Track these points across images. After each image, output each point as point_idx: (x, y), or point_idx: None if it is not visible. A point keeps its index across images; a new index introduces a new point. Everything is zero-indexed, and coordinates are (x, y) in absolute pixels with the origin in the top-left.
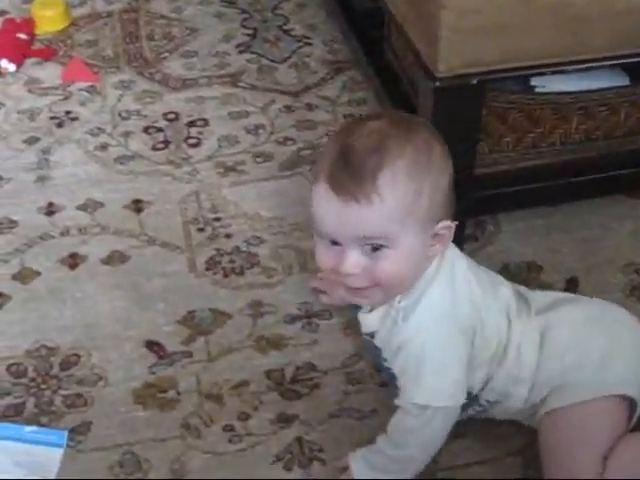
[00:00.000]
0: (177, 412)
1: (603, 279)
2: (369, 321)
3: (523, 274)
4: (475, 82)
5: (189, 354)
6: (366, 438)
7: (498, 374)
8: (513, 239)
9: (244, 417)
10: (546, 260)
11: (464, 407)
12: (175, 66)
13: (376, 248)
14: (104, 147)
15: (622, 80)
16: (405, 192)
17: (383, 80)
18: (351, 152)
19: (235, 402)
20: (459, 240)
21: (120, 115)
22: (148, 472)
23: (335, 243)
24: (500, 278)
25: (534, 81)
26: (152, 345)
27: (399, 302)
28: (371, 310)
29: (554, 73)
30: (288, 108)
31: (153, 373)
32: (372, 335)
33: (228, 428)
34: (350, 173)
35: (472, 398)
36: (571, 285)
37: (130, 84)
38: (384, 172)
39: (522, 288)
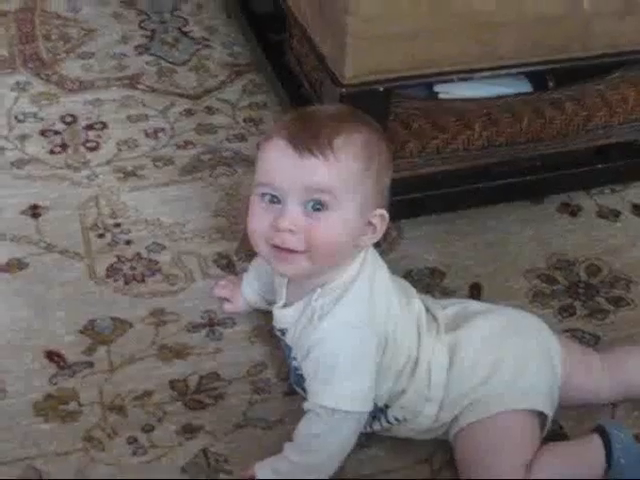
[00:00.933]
0: (79, 424)
1: (506, 285)
2: (283, 316)
3: (426, 280)
4: (381, 89)
5: (90, 364)
6: (272, 448)
7: (407, 392)
8: (416, 245)
9: (148, 428)
10: (449, 266)
11: (369, 420)
12: (72, 67)
13: (317, 208)
14: (0, 150)
15: (525, 87)
16: (355, 162)
17: (284, 84)
18: (310, 117)
19: (139, 413)
20: None
21: (16, 118)
22: None
23: (275, 202)
24: (412, 291)
25: (437, 87)
26: (52, 355)
27: (316, 300)
28: (285, 306)
29: (461, 80)
30: (188, 111)
31: (54, 384)
32: (284, 332)
33: (132, 440)
34: (309, 132)
35: (378, 410)
36: (474, 291)
37: (26, 85)
38: (340, 137)
39: (430, 303)
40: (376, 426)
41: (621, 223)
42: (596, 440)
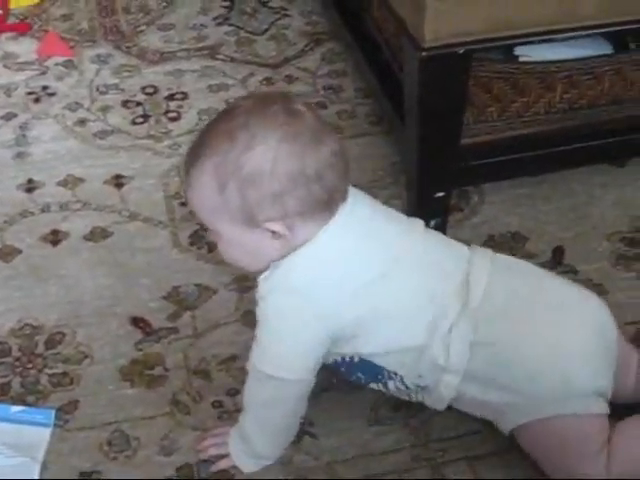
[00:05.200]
0: (165, 389)
1: (589, 248)
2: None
3: (509, 244)
4: (462, 51)
5: (175, 330)
6: (356, 410)
7: (421, 361)
8: (498, 209)
9: (233, 392)
10: (531, 230)
11: (371, 380)
12: (152, 39)
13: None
14: (83, 122)
15: (605, 49)
16: (206, 187)
17: (363, 51)
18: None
19: (223, 377)
20: (444, 211)
21: (98, 89)
22: (137, 449)
23: None
24: (451, 251)
25: (518, 50)
26: (137, 321)
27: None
28: None
29: (541, 42)
30: (268, 80)
31: (140, 350)
32: None
33: (217, 404)
34: (186, 159)
35: (387, 373)
36: (557, 254)
37: (107, 58)
38: (196, 164)
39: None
40: (392, 388)
41: None
42: None
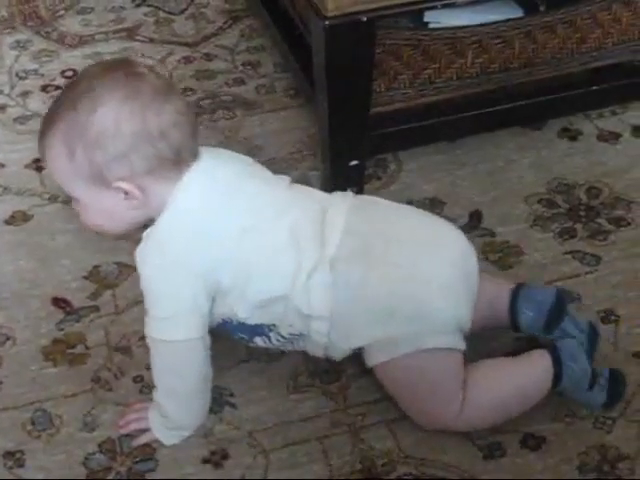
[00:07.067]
0: (87, 366)
1: (507, 211)
2: None
3: (427, 210)
4: (365, 19)
5: (96, 308)
6: (275, 380)
7: (287, 310)
8: (415, 176)
9: None
10: (449, 195)
11: (254, 334)
12: (71, 23)
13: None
14: (2, 108)
15: (515, 12)
16: (58, 156)
17: (279, 26)
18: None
19: (144, 353)
20: (360, 180)
21: (18, 75)
22: (60, 427)
23: None
24: (312, 201)
25: (427, 17)
26: (59, 302)
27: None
28: None
29: (444, 7)
30: (186, 59)
31: (61, 329)
32: None
33: (138, 379)
34: (38, 134)
35: (265, 327)
36: (474, 218)
37: (26, 44)
38: (47, 135)
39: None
40: (275, 342)
41: (621, 145)
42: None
